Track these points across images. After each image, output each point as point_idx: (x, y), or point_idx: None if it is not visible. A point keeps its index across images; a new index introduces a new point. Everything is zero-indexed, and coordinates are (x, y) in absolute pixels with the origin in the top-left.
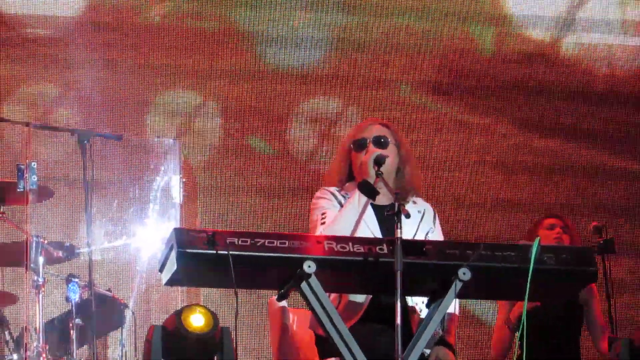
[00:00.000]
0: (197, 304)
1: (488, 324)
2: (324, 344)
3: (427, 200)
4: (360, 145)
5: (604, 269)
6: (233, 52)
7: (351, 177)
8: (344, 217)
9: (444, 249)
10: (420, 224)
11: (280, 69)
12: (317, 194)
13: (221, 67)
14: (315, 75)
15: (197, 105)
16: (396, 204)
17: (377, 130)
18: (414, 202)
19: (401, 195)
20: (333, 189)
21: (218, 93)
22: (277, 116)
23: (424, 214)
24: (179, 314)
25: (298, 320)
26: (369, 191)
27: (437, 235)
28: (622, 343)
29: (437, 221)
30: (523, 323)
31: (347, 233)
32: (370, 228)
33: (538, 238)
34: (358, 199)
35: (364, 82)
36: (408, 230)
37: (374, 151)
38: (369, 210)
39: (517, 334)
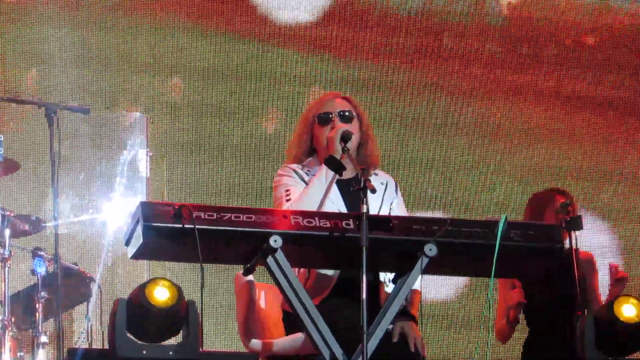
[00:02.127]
0: (162, 277)
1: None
2: (291, 320)
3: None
4: (325, 120)
5: (571, 246)
6: (201, 24)
7: (313, 150)
8: (312, 192)
9: (410, 225)
10: (384, 195)
11: (248, 42)
12: (279, 171)
13: (189, 41)
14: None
15: (164, 78)
16: (362, 180)
17: (340, 104)
18: (376, 174)
19: (366, 169)
20: (294, 166)
21: (185, 67)
22: (246, 90)
23: (387, 185)
24: (142, 287)
25: (266, 296)
26: (336, 166)
27: (400, 204)
28: (587, 320)
29: (399, 192)
30: (489, 299)
31: (315, 208)
32: (335, 203)
33: (505, 215)
34: (325, 174)
35: (331, 54)
36: (373, 202)
37: (340, 126)
38: (333, 185)
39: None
